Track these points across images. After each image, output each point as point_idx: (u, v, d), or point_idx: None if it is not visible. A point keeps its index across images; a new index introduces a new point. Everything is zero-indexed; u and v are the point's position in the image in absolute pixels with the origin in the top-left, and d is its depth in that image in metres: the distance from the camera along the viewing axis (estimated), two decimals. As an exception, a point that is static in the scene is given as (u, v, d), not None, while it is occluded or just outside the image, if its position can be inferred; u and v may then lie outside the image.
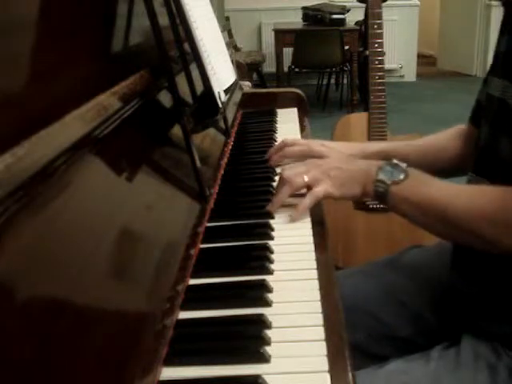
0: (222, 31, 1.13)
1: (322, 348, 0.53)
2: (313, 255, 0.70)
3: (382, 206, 1.92)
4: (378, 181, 0.76)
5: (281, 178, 0.82)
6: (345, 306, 0.61)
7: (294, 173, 0.81)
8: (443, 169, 1.00)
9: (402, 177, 0.75)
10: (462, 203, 0.71)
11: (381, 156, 0.96)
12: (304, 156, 0.98)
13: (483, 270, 0.79)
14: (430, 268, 0.94)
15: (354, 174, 0.80)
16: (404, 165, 0.77)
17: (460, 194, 0.73)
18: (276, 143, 1.17)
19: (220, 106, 0.84)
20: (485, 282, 0.79)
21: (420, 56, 6.56)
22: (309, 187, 0.80)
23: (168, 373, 0.51)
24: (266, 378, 0.49)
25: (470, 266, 0.82)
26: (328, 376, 0.49)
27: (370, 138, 1.95)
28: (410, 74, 6.25)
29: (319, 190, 0.79)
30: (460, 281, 0.85)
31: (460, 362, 0.76)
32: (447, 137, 1.02)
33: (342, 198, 0.80)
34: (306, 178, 0.80)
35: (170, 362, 0.52)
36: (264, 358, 0.51)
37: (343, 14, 4.71)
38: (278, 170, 0.97)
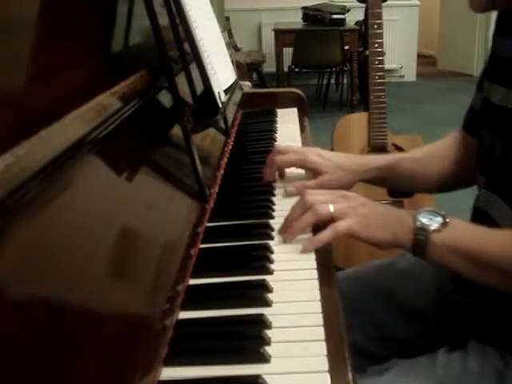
0: (222, 31, 1.13)
1: (322, 348, 0.53)
2: (313, 256, 0.70)
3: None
4: (416, 229, 0.69)
5: (302, 202, 0.73)
6: (344, 306, 0.61)
7: (319, 200, 0.72)
8: (445, 181, 0.97)
9: (441, 224, 0.68)
10: None
11: (381, 172, 0.93)
12: (298, 166, 0.92)
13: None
14: (431, 270, 0.94)
15: (385, 217, 0.72)
16: (441, 211, 0.70)
17: (510, 240, 0.68)
18: (276, 143, 1.17)
19: (220, 106, 0.84)
20: (486, 291, 0.77)
21: (420, 56, 6.56)
22: (332, 219, 0.71)
23: (168, 373, 0.51)
24: (266, 378, 0.49)
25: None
26: (328, 376, 0.49)
27: (370, 138, 1.95)
28: (410, 74, 6.25)
29: (343, 225, 0.70)
30: (460, 289, 0.84)
31: (466, 369, 0.74)
32: (446, 148, 0.97)
33: (367, 240, 0.71)
34: (331, 209, 0.71)
35: (170, 361, 0.52)
36: (264, 358, 0.51)
37: (343, 13, 4.71)
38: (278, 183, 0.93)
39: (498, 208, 0.78)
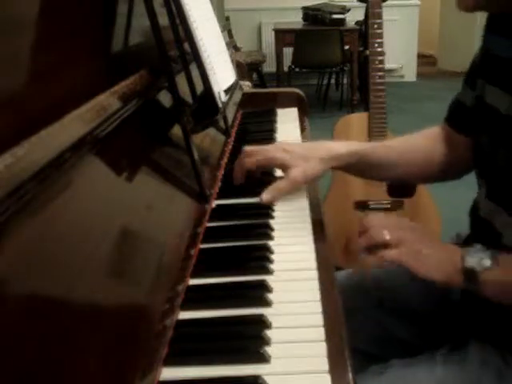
0: (222, 31, 1.13)
1: (322, 348, 0.53)
2: (313, 255, 0.70)
3: (382, 206, 1.93)
4: (466, 269, 0.69)
5: (363, 225, 0.76)
6: (344, 306, 0.61)
7: (378, 225, 0.74)
8: (414, 173, 0.96)
9: (491, 262, 0.68)
10: None
11: (353, 158, 0.91)
12: (267, 166, 0.92)
13: None
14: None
15: (440, 258, 0.72)
16: (490, 251, 0.70)
17: None
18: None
19: (220, 106, 0.84)
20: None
21: (420, 56, 6.55)
22: (386, 246, 0.73)
23: (168, 373, 0.51)
24: (266, 378, 0.49)
25: None
26: (328, 376, 0.49)
27: (370, 138, 1.95)
28: (410, 74, 6.24)
29: (393, 253, 0.71)
30: (464, 289, 0.84)
31: (466, 369, 0.75)
32: (418, 139, 0.97)
33: (421, 276, 0.71)
34: (387, 236, 0.72)
35: (170, 361, 0.52)
36: (264, 358, 0.51)
37: (343, 13, 4.71)
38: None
39: (498, 217, 0.77)
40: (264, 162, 0.90)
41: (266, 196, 0.85)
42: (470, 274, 0.68)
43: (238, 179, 0.92)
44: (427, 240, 0.74)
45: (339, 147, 0.91)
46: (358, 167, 0.93)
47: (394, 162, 0.93)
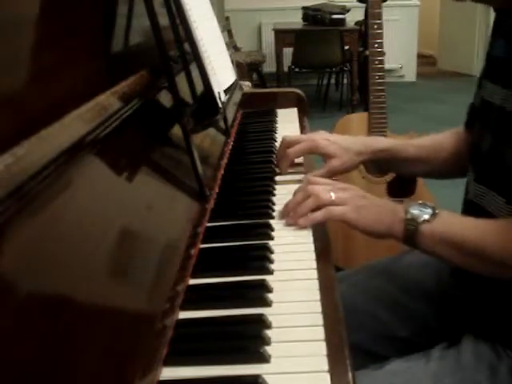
0: (222, 31, 1.13)
1: (321, 348, 0.53)
2: (313, 255, 0.70)
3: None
4: (407, 220, 0.73)
5: (304, 189, 0.78)
6: (344, 305, 0.61)
7: (322, 188, 0.77)
8: (440, 169, 1.01)
9: (431, 215, 0.73)
10: (496, 240, 0.71)
11: (386, 154, 0.97)
12: (310, 153, 0.97)
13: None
14: (429, 269, 0.94)
15: (380, 210, 0.76)
16: (431, 204, 0.75)
17: (492, 230, 0.72)
18: (276, 143, 1.17)
19: (220, 105, 0.84)
20: (485, 285, 0.79)
21: (420, 56, 6.56)
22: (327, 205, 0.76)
23: (168, 373, 0.51)
24: (266, 377, 0.49)
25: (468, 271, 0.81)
26: (328, 376, 0.49)
27: (370, 138, 1.94)
28: (410, 73, 6.25)
29: (338, 209, 0.75)
30: (460, 284, 0.85)
31: (461, 363, 0.76)
32: (445, 138, 1.02)
33: (361, 229, 0.76)
34: (333, 196, 0.76)
35: (170, 361, 0.52)
36: (264, 358, 0.51)
37: (343, 13, 4.71)
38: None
39: (489, 199, 0.80)
40: (309, 151, 0.96)
41: (309, 176, 0.89)
42: (410, 224, 0.73)
43: (284, 169, 0.97)
44: (370, 197, 0.78)
45: (374, 142, 0.99)
46: (389, 163, 1.01)
47: (423, 160, 0.99)
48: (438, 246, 0.73)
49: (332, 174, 0.94)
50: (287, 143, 0.97)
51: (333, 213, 0.75)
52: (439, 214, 0.74)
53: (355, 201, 0.76)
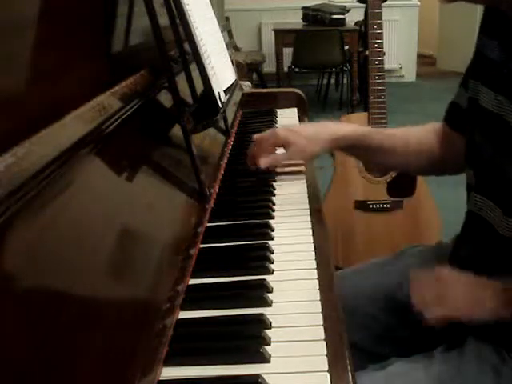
0: (221, 31, 1.13)
1: (322, 348, 0.53)
2: (313, 255, 0.70)
3: (382, 206, 1.93)
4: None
5: (417, 301, 0.75)
6: (344, 305, 0.61)
7: (432, 300, 0.73)
8: (421, 165, 0.99)
9: None
10: None
11: (349, 141, 0.96)
12: (273, 145, 0.98)
13: (483, 273, 0.78)
14: (429, 268, 0.94)
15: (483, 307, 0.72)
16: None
17: None
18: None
19: (220, 106, 0.84)
20: None
21: (420, 56, 6.55)
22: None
23: (168, 373, 0.51)
24: (266, 377, 0.49)
25: (469, 270, 0.81)
26: (328, 376, 0.49)
27: (369, 138, 1.94)
28: (410, 73, 6.24)
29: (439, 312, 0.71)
30: None
31: (463, 365, 0.75)
32: (422, 132, 0.99)
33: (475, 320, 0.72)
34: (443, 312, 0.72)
35: (170, 361, 0.52)
36: (264, 358, 0.51)
37: (343, 14, 4.71)
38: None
39: (488, 210, 0.78)
40: (269, 146, 0.97)
41: (263, 160, 0.95)
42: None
43: (253, 169, 0.98)
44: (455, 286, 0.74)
45: (337, 129, 0.97)
46: (359, 150, 0.99)
47: (394, 149, 0.97)
48: None
49: (291, 159, 0.97)
50: (257, 140, 0.99)
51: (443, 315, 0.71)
52: None
53: (456, 304, 0.72)
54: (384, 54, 1.93)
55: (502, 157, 0.75)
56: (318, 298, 0.61)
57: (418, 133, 1.00)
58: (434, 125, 0.99)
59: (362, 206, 1.90)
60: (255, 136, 1.00)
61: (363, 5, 2.94)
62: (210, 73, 0.83)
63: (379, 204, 1.92)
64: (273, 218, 0.81)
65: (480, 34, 0.83)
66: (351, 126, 1.01)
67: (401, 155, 0.97)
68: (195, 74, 0.83)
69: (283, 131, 0.97)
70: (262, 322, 0.56)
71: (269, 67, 5.53)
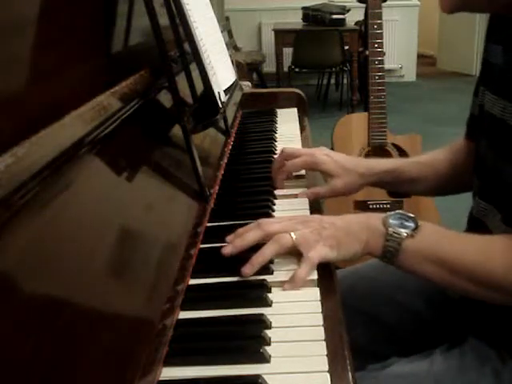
0: (221, 31, 1.13)
1: (322, 348, 0.53)
2: (313, 255, 0.70)
3: (382, 206, 1.93)
4: (388, 235, 0.66)
5: (257, 232, 0.68)
6: (344, 305, 0.61)
7: (278, 229, 0.68)
8: (436, 186, 0.98)
9: (413, 229, 0.66)
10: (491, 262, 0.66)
11: (391, 175, 0.94)
12: (309, 168, 0.92)
13: None
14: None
15: (350, 229, 0.68)
16: (412, 215, 0.68)
17: (477, 248, 0.68)
18: (276, 143, 1.17)
19: (220, 106, 0.84)
20: None
21: (420, 56, 6.56)
22: (296, 247, 0.67)
23: (168, 373, 0.51)
24: (266, 377, 0.49)
25: None
26: (328, 376, 0.49)
27: (369, 138, 1.95)
28: (409, 73, 6.25)
29: (313, 255, 0.65)
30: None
31: (464, 366, 0.75)
32: (441, 153, 0.99)
33: (341, 259, 0.68)
34: (293, 236, 0.66)
35: (170, 362, 0.52)
36: (264, 358, 0.51)
37: (343, 14, 4.71)
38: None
39: (490, 216, 0.78)
40: (307, 166, 0.91)
41: (308, 191, 0.87)
42: (391, 239, 0.66)
43: (279, 183, 0.92)
44: (330, 220, 0.69)
45: (376, 164, 0.95)
46: (392, 183, 0.97)
47: (425, 177, 0.96)
48: (420, 263, 0.67)
49: (334, 195, 0.90)
50: (286, 155, 0.91)
51: (314, 261, 0.65)
52: (421, 226, 0.67)
53: (320, 235, 0.67)
54: (384, 53, 1.93)
55: (502, 160, 0.75)
56: (318, 298, 0.61)
57: (444, 155, 0.98)
58: (458, 142, 0.98)
59: (362, 206, 1.90)
60: (286, 149, 0.92)
61: (363, 5, 2.94)
62: (210, 73, 0.83)
63: (379, 204, 1.92)
64: (273, 218, 0.81)
65: (486, 43, 0.84)
66: (381, 161, 0.98)
67: (433, 181, 0.97)
68: (195, 73, 0.83)
69: (323, 156, 0.89)
70: (262, 322, 0.56)
71: (269, 67, 5.54)
